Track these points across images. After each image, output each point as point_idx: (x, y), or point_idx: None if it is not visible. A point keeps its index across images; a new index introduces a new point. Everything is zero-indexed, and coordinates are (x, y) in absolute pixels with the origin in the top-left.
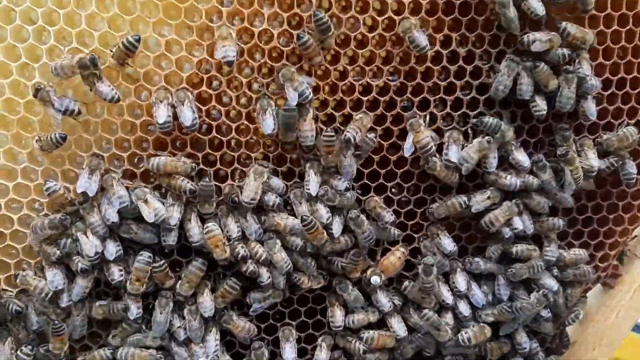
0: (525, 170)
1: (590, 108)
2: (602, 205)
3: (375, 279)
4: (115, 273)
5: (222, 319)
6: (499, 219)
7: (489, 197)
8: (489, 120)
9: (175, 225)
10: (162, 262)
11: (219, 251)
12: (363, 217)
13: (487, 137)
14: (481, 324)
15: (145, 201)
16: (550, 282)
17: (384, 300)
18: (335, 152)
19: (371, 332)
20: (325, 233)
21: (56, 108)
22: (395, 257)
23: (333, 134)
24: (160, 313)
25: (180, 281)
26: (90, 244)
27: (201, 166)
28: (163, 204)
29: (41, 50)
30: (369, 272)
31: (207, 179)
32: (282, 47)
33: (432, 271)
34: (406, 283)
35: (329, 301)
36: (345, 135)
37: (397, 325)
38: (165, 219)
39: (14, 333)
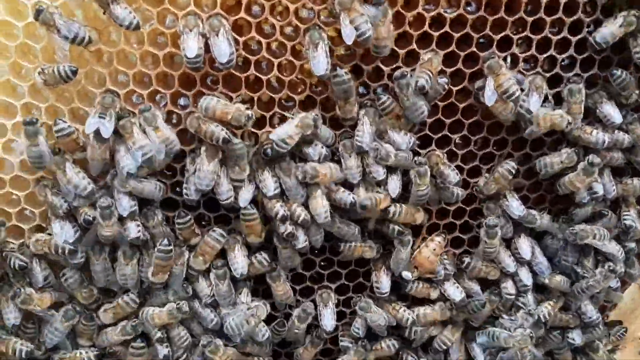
0: (615, 126)
1: None
2: None
3: (407, 275)
4: (133, 229)
5: (270, 275)
6: (576, 184)
7: (562, 162)
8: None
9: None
10: (188, 217)
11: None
12: (427, 167)
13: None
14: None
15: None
16: (614, 249)
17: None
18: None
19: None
20: (388, 199)
21: (62, 35)
22: (429, 250)
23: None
24: (175, 265)
25: (193, 253)
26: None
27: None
28: None
29: None
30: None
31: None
32: None
33: (496, 233)
34: (467, 259)
35: (374, 264)
36: (418, 81)
37: (452, 290)
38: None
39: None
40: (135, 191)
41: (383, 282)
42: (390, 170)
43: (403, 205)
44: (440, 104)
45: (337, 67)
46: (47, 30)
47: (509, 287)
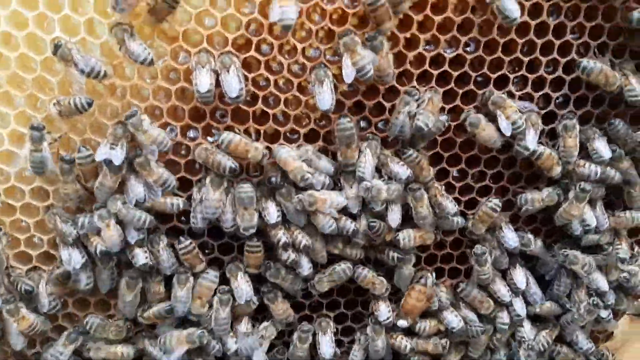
0: (603, 162)
1: None
2: None
3: (402, 323)
4: (140, 256)
5: (266, 295)
6: (571, 212)
7: (542, 199)
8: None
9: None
10: (188, 242)
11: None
12: (424, 191)
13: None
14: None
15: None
16: (602, 283)
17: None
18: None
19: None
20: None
21: (80, 69)
22: (414, 298)
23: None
24: (181, 290)
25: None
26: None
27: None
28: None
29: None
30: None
31: (245, 184)
32: (346, 9)
33: (486, 260)
34: (462, 285)
35: (372, 294)
36: (416, 123)
37: (451, 318)
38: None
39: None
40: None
41: (382, 310)
42: (390, 200)
43: (410, 230)
44: (439, 138)
45: (341, 116)
46: (64, 64)
47: (503, 317)
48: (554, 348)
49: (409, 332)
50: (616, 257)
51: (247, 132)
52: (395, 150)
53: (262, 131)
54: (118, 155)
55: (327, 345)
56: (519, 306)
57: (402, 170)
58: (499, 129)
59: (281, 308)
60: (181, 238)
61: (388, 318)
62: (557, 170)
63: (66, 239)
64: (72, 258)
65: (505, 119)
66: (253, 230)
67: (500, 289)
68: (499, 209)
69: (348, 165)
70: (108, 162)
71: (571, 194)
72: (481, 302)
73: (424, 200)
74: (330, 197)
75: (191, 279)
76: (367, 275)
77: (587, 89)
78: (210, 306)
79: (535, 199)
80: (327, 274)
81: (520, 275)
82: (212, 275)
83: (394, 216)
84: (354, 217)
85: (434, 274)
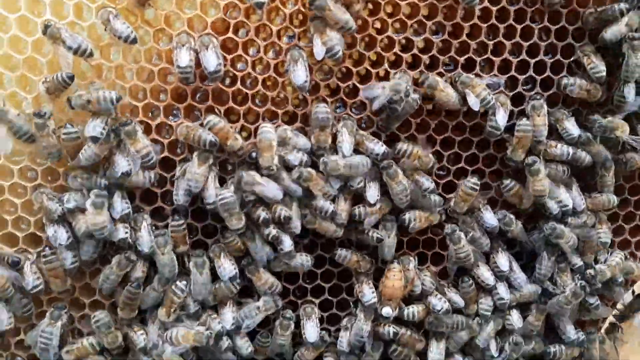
0: (574, 140)
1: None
2: None
3: (387, 311)
4: (120, 230)
5: (248, 269)
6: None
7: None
8: None
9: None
10: (182, 221)
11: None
12: (397, 168)
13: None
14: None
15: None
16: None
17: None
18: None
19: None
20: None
21: (67, 45)
22: (392, 279)
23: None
24: (200, 274)
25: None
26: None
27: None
28: None
29: None
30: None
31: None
32: None
33: (459, 237)
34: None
35: (356, 278)
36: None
37: (435, 301)
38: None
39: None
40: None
41: (365, 292)
42: (370, 178)
43: (416, 210)
44: (413, 120)
45: (319, 103)
46: (53, 43)
47: (487, 302)
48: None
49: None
50: (597, 241)
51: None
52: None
53: (241, 112)
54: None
55: (312, 329)
56: (503, 290)
57: (377, 147)
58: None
59: (264, 278)
60: (176, 216)
61: (372, 299)
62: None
63: (52, 216)
64: (58, 235)
65: (474, 96)
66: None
67: (484, 273)
68: (477, 188)
69: (320, 149)
70: (92, 138)
71: (526, 171)
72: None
73: (399, 177)
74: (321, 182)
75: (208, 262)
76: (348, 256)
77: (552, 71)
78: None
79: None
80: None
81: (503, 259)
82: (179, 287)
83: (372, 192)
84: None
85: (415, 258)
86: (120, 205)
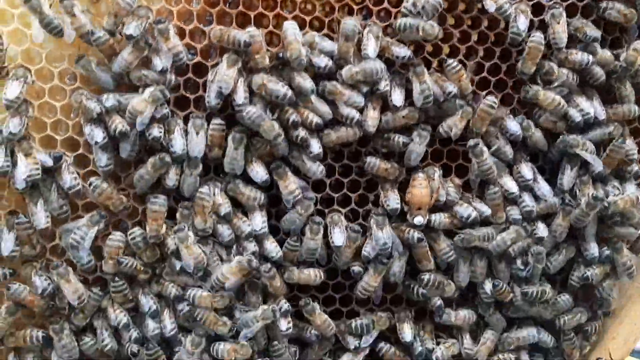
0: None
1: None
2: None
3: (419, 220)
4: (155, 129)
5: (277, 172)
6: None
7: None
8: None
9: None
10: (221, 121)
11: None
12: (424, 68)
13: None
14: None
15: None
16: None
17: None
18: None
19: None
20: None
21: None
22: (419, 187)
23: None
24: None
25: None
26: None
27: None
28: None
29: None
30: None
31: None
32: None
33: (481, 150)
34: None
35: (382, 186)
36: None
37: (462, 209)
38: None
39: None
40: None
41: (391, 199)
42: (395, 83)
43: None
44: None
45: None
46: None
47: (515, 213)
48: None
49: None
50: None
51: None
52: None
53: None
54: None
55: (338, 234)
56: (528, 198)
57: (403, 50)
58: None
59: (291, 181)
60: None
61: (396, 205)
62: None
63: (90, 115)
64: (94, 133)
65: (493, 2)
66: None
67: (507, 182)
68: (495, 106)
69: (342, 59)
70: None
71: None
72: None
73: (425, 76)
74: (349, 94)
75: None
76: (377, 163)
77: None
78: None
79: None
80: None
81: (526, 169)
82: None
83: (397, 96)
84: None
85: (440, 169)
86: None
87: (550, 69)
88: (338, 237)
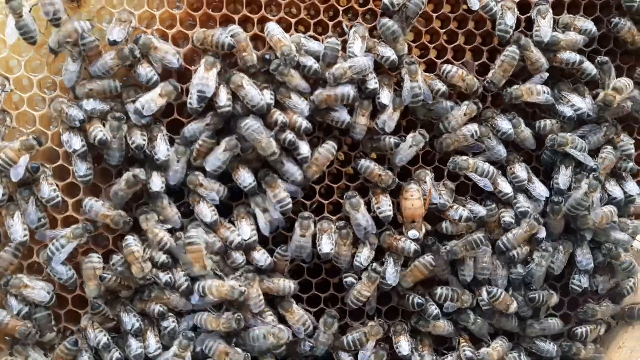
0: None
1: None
2: None
3: (413, 233)
4: (138, 136)
5: (264, 178)
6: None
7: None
8: None
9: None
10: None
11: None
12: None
13: None
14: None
15: None
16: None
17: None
18: None
19: None
20: None
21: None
22: (411, 199)
23: None
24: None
25: None
26: None
27: None
28: None
29: None
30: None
31: None
32: None
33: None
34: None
35: (372, 191)
36: None
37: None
38: None
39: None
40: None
41: (383, 205)
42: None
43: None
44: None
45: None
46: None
47: (508, 216)
48: None
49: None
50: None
51: None
52: None
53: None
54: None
55: (326, 241)
56: (522, 199)
57: (388, 51)
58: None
59: (281, 189)
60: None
61: (390, 212)
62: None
63: (72, 123)
64: (72, 141)
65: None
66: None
67: (501, 183)
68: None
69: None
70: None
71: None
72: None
73: (418, 75)
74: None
75: None
76: (370, 166)
77: None
78: None
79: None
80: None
81: (520, 169)
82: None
83: (385, 95)
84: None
85: (432, 172)
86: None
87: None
88: (325, 245)
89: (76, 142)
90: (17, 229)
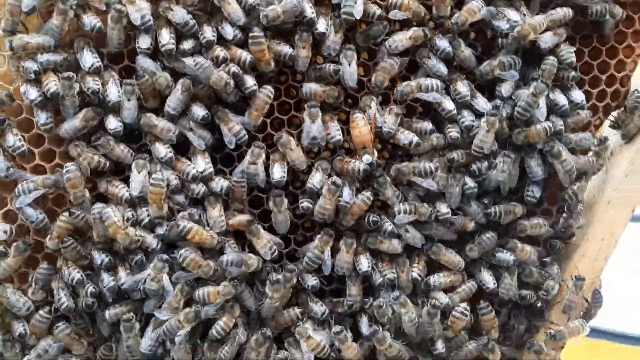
0: None
1: None
2: None
3: (367, 158)
4: (91, 82)
5: (216, 113)
6: None
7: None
8: None
9: None
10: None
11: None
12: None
13: None
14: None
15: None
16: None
17: None
18: None
19: None
20: None
21: None
22: (357, 127)
23: None
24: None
25: None
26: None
27: None
28: None
29: None
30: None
31: None
32: None
33: None
34: None
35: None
36: None
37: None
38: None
39: None
40: None
41: (332, 129)
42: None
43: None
44: None
45: None
46: None
47: (453, 130)
48: None
49: None
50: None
51: None
52: None
53: None
54: None
55: (278, 169)
56: (466, 113)
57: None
58: None
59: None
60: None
61: (339, 137)
62: None
63: (28, 75)
64: (29, 92)
65: None
66: None
67: (444, 102)
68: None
69: None
70: None
71: None
72: None
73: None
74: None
75: None
76: (312, 87)
77: None
78: None
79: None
80: None
81: (463, 86)
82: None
83: (321, 23)
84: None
85: (379, 97)
86: (91, 59)
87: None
88: (276, 172)
89: (32, 93)
90: None
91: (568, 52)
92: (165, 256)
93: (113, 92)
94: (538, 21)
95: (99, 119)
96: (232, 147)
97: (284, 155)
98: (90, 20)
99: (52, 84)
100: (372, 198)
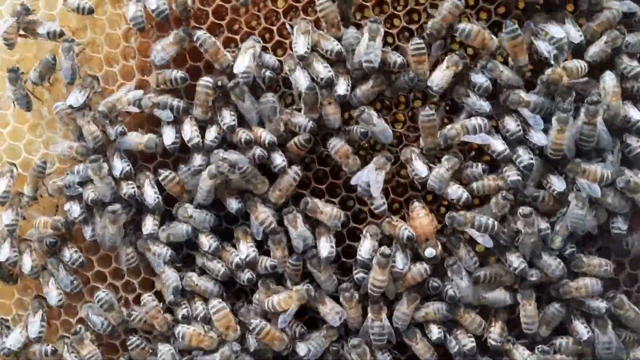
0: None
1: None
2: None
3: (430, 252)
4: (125, 188)
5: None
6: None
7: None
8: None
9: None
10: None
11: None
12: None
13: None
14: None
15: None
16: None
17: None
18: None
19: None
20: None
21: None
22: (418, 218)
23: None
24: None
25: None
26: None
27: None
28: None
29: None
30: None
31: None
32: None
33: None
34: None
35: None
36: None
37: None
38: None
39: None
40: None
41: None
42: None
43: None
44: None
45: None
46: None
47: (512, 175)
48: None
49: None
50: None
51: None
52: None
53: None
54: None
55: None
56: (522, 151)
57: (331, 44)
58: None
59: (260, 211)
60: (164, 170)
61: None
62: None
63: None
64: (72, 210)
65: None
66: None
67: (493, 142)
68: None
69: None
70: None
71: None
72: None
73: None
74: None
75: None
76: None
77: None
78: None
79: None
80: None
81: (510, 121)
82: None
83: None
84: None
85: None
86: (120, 164)
87: None
88: (324, 248)
89: (76, 210)
90: (53, 295)
91: (629, 64)
92: None
93: (150, 194)
94: (576, 65)
95: None
96: (258, 238)
97: (329, 229)
98: (116, 129)
99: (89, 192)
100: (429, 272)
